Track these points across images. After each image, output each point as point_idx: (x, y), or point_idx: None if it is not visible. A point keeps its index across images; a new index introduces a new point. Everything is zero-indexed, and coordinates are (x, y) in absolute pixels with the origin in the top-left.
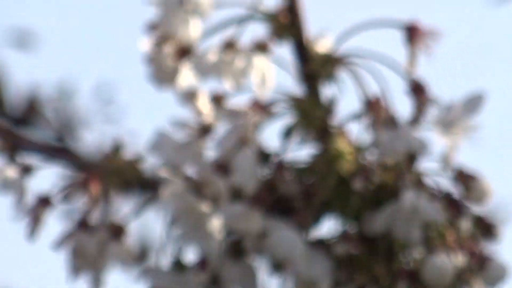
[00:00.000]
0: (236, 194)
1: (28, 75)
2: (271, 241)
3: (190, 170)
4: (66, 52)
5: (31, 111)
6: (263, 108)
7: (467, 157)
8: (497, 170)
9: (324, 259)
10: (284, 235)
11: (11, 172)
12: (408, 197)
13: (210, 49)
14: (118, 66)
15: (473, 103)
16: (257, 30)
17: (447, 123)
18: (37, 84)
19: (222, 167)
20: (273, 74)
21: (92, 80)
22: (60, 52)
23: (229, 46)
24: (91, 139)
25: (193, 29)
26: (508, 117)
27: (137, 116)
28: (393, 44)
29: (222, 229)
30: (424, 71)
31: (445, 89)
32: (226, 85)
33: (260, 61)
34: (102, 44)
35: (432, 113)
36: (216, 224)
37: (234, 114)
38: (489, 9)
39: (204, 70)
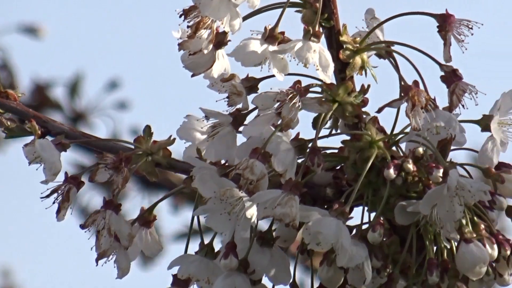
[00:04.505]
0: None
1: (40, 64)
2: (316, 228)
3: (222, 156)
4: (77, 43)
5: (42, 98)
6: (305, 91)
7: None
8: None
9: (363, 246)
10: (329, 222)
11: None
12: (455, 174)
13: (250, 37)
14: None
15: None
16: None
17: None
18: (49, 73)
19: (260, 153)
20: (330, 59)
21: (102, 70)
22: (71, 43)
23: (273, 34)
24: (103, 126)
25: (237, 18)
26: None
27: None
28: (425, 34)
29: (257, 215)
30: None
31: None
32: (274, 71)
33: (317, 47)
34: (111, 36)
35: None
36: (251, 209)
37: (273, 97)
38: None
39: (248, 58)
